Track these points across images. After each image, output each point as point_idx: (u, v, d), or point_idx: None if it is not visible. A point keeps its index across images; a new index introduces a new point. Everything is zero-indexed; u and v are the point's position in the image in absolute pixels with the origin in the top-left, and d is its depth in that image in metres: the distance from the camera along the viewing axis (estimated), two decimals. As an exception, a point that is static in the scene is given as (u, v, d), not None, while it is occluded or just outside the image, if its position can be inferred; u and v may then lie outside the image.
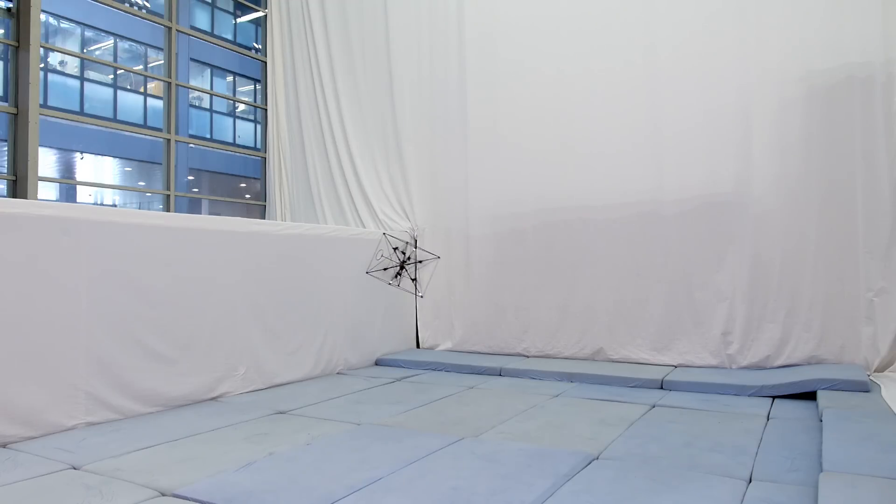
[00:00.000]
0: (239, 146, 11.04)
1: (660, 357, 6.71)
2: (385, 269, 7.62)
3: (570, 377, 6.33)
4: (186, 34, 9.09)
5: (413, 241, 8.20)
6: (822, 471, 3.30)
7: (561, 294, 7.27)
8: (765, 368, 6.19)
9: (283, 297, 6.13)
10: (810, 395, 5.32)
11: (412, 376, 6.59)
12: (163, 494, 3.21)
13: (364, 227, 8.28)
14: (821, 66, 5.99)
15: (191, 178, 11.18)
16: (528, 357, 7.38)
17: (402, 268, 7.80)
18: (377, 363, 7.43)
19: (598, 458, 3.77)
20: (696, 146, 6.51)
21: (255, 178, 10.27)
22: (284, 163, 9.26)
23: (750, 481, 3.37)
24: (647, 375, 6.08)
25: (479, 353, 7.69)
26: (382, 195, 8.39)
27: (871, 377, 5.57)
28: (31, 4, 6.77)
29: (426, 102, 8.16)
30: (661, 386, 5.91)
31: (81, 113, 9.53)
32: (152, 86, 10.28)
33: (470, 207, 7.80)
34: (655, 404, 5.22)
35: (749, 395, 5.49)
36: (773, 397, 5.43)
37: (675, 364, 6.60)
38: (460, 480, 3.37)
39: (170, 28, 8.42)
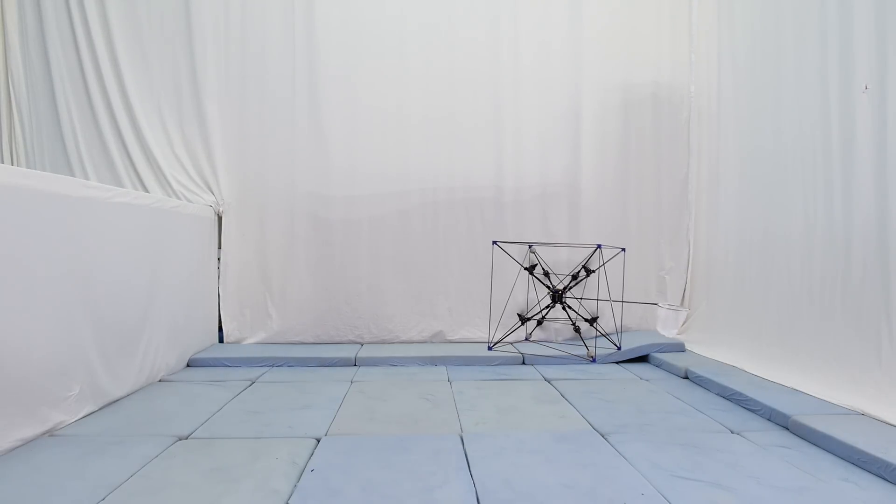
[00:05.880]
0: None
1: (493, 330, 7.03)
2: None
3: (433, 361, 6.19)
4: None
5: (217, 218, 6.85)
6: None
7: (399, 278, 7.01)
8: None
9: (106, 289, 4.47)
10: (642, 358, 6.36)
11: (261, 376, 5.55)
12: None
13: (148, 192, 6.54)
14: (635, 81, 7.10)
15: None
16: (362, 344, 6.92)
17: None
18: (190, 364, 6.00)
19: (617, 432, 3.84)
20: (534, 143, 7.04)
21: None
22: (15, 93, 6.66)
23: (732, 432, 3.88)
24: (507, 353, 6.34)
25: (306, 343, 6.89)
26: (175, 160, 6.75)
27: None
28: None
29: (236, 51, 6.85)
30: (523, 362, 6.24)
31: None
32: None
33: (296, 183, 6.89)
34: (547, 378, 5.49)
35: (601, 363, 6.21)
36: (618, 362, 6.27)
37: (503, 335, 6.99)
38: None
39: None
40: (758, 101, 5.80)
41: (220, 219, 6.90)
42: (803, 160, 5.07)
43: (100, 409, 4.23)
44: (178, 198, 6.60)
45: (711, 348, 6.22)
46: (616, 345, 6.32)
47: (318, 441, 3.69)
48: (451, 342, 7.02)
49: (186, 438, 3.71)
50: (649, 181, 7.15)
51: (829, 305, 4.72)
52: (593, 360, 5.87)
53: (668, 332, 5.90)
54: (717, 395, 4.91)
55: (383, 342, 7.00)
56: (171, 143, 6.79)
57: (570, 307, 6.53)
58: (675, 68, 7.16)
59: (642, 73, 7.11)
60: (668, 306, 5.95)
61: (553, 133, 7.05)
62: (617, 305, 6.94)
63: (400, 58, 6.95)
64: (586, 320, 6.52)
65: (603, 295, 6.87)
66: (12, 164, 6.69)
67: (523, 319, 6.76)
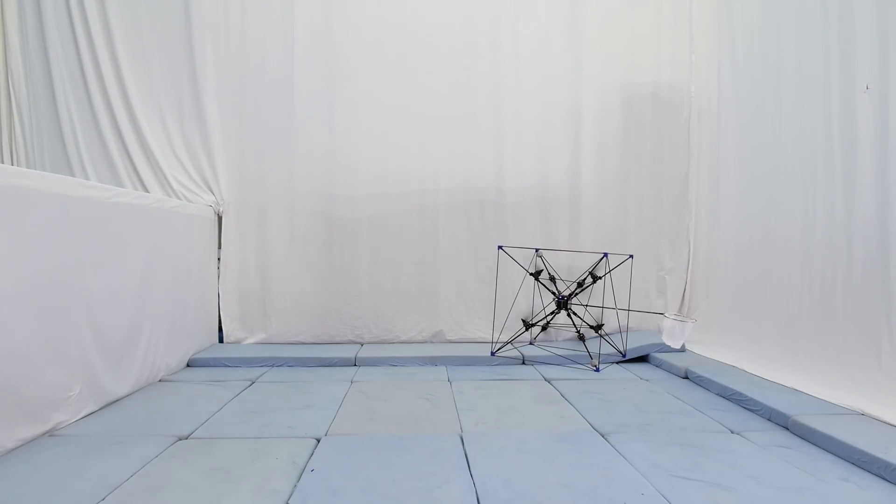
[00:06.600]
0: None
1: (496, 334, 7.04)
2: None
3: (433, 361, 6.19)
4: None
5: (217, 218, 6.85)
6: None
7: (399, 278, 7.01)
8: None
9: (107, 285, 4.47)
10: (642, 357, 6.37)
11: (261, 376, 5.54)
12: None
13: (147, 192, 6.54)
14: (634, 81, 7.10)
15: None
16: (362, 344, 6.92)
17: None
18: (190, 364, 6.00)
19: (612, 431, 3.84)
20: (534, 143, 7.04)
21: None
22: (15, 93, 6.66)
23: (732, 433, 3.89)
24: (506, 354, 6.33)
25: (306, 343, 6.89)
26: (175, 160, 6.74)
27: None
28: None
29: (236, 52, 6.85)
30: (524, 362, 6.24)
31: None
32: None
33: (296, 183, 6.89)
34: (547, 378, 5.49)
35: (601, 363, 6.21)
36: (618, 362, 6.28)
37: (506, 340, 7.00)
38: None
39: None
40: (758, 100, 5.80)
41: (220, 219, 6.90)
42: (803, 160, 5.07)
43: (100, 409, 4.23)
44: (178, 198, 6.60)
45: (711, 348, 6.23)
46: (621, 352, 6.30)
47: (318, 441, 3.69)
48: (451, 342, 7.02)
49: (186, 438, 3.71)
50: (649, 181, 7.15)
51: (829, 305, 4.72)
52: (597, 370, 5.86)
53: (674, 344, 5.91)
54: (717, 395, 4.91)
55: (383, 342, 7.00)
56: (171, 143, 6.79)
57: (575, 314, 6.52)
58: (675, 68, 7.16)
59: (642, 73, 7.11)
60: (674, 317, 5.94)
61: (553, 133, 7.05)
62: (622, 311, 6.93)
63: (400, 58, 6.95)
64: (591, 327, 6.50)
65: (608, 299, 6.84)
66: (12, 164, 6.70)
67: (527, 325, 6.75)
